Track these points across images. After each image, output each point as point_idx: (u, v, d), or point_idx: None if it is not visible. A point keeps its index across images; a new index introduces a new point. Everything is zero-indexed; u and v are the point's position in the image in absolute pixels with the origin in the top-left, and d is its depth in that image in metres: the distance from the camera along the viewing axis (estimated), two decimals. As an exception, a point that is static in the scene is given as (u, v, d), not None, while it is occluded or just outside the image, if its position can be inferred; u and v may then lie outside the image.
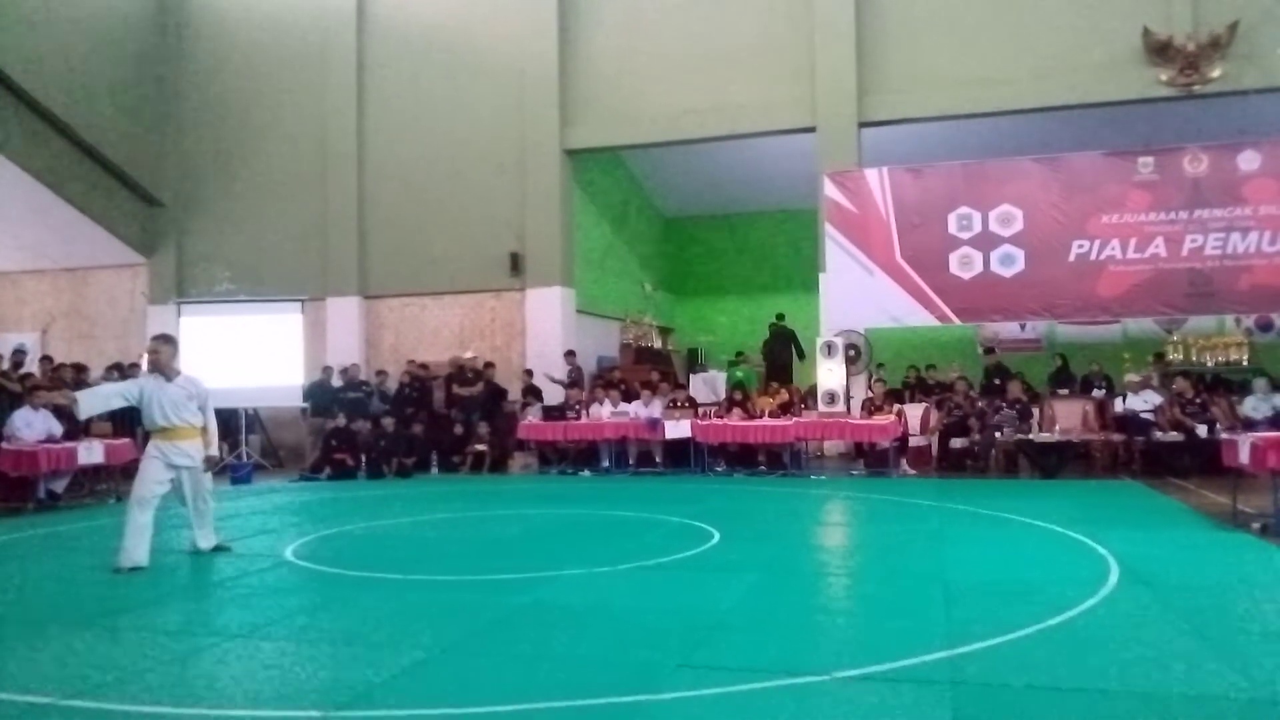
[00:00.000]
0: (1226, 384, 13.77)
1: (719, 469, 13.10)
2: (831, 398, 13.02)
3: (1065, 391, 13.47)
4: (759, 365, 16.79)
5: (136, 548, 6.63)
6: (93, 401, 7.16)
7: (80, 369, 13.56)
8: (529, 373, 14.86)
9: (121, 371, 13.87)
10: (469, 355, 15.18)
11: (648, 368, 16.08)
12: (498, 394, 14.91)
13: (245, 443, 15.07)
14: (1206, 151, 12.99)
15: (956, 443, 12.86)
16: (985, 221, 13.70)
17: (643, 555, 6.82)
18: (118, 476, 11.17)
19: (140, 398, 6.92)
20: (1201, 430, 11.52)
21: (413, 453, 13.86)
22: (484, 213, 16.00)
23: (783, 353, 16.77)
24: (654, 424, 13.09)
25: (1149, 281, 13.13)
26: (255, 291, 16.59)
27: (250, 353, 15.30)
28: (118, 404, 7.20)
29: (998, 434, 12.31)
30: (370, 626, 5.00)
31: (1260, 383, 11.57)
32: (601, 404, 13.76)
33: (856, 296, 14.03)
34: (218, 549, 7.29)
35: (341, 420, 13.78)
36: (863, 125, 14.42)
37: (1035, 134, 14.67)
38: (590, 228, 17.15)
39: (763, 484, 12.02)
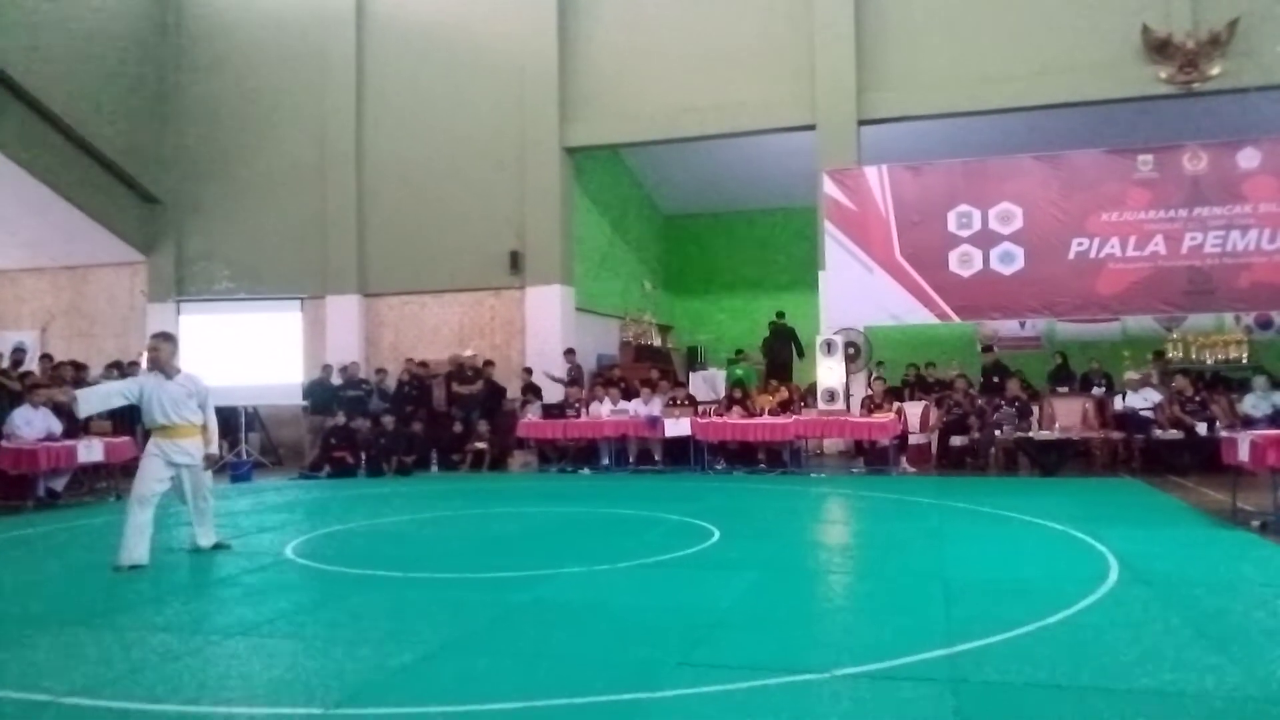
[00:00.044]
0: (1226, 382, 13.78)
1: (719, 467, 13.10)
2: (831, 396, 13.02)
3: (1065, 389, 13.48)
4: (759, 363, 16.79)
5: (137, 546, 6.63)
6: (92, 400, 7.16)
7: (80, 367, 13.55)
8: (528, 371, 14.86)
9: (121, 370, 13.87)
10: (469, 353, 15.18)
11: (647, 366, 16.08)
12: (497, 392, 14.91)
13: (245, 441, 15.07)
14: (1206, 149, 12.98)
15: (956, 441, 12.86)
16: (985, 219, 13.69)
17: (642, 553, 6.82)
18: (117, 474, 11.17)
19: (140, 396, 6.91)
20: (1201, 428, 11.52)
21: (412, 451, 13.86)
22: (484, 211, 15.99)
23: (783, 351, 16.76)
24: (654, 422, 13.09)
25: (1148, 279, 13.13)
26: (255, 289, 16.59)
27: (250, 351, 15.30)
28: (118, 403, 7.20)
29: (997, 432, 12.32)
30: (370, 624, 5.00)
31: (1260, 380, 11.58)
32: (601, 402, 13.76)
33: (856, 294, 14.02)
34: (218, 547, 7.29)
35: (341, 418, 13.78)
36: (862, 123, 14.42)
37: (1035, 132, 14.67)
38: (590, 226, 17.15)
39: (762, 482, 12.02)
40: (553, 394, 14.54)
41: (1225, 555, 6.58)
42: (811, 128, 14.62)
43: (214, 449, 7.34)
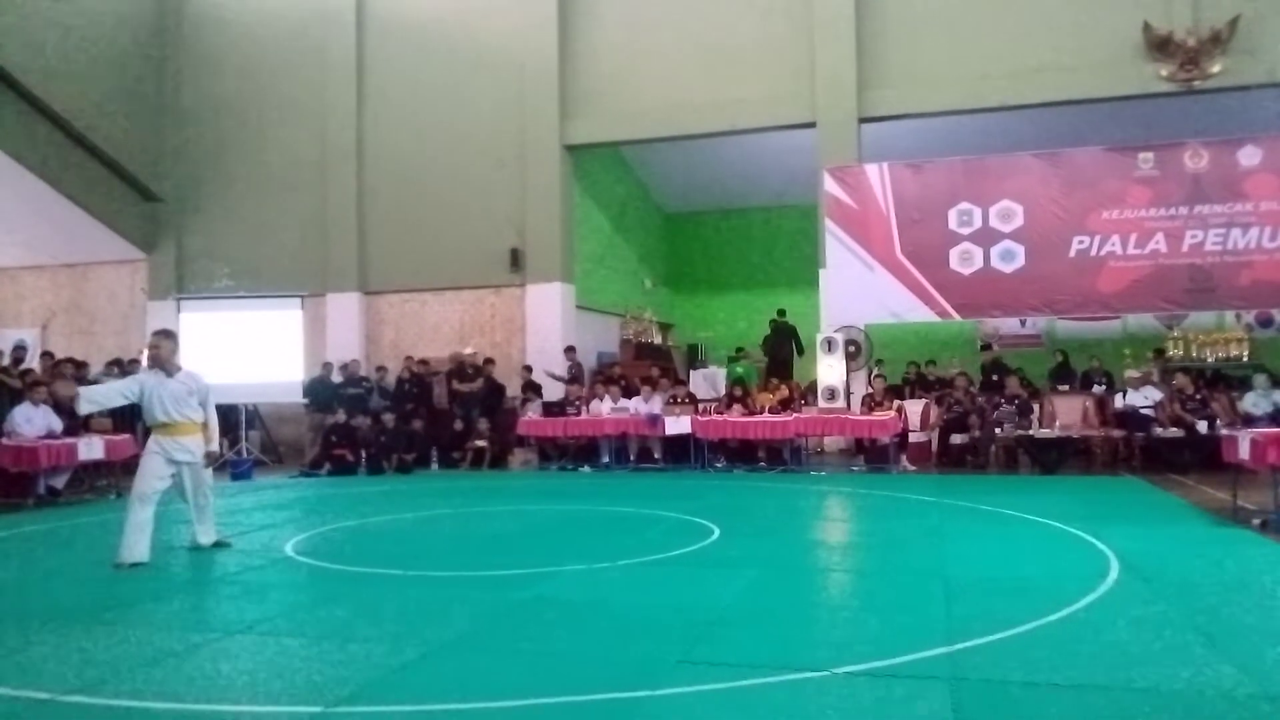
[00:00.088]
0: (1226, 380, 13.77)
1: (719, 465, 13.10)
2: (831, 394, 13.00)
3: (1065, 387, 13.48)
4: (759, 361, 16.78)
5: (137, 543, 6.64)
6: (95, 398, 7.15)
7: (80, 365, 13.55)
8: (528, 369, 14.85)
9: (121, 367, 13.87)
10: (469, 351, 15.18)
11: (648, 364, 16.07)
12: (497, 390, 14.91)
13: (245, 439, 15.07)
14: (1207, 147, 12.97)
15: (956, 439, 12.85)
16: (985, 217, 13.67)
17: (643, 551, 6.82)
18: (118, 472, 11.17)
19: (141, 394, 6.92)
20: (1201, 426, 11.51)
21: (413, 449, 13.85)
22: (484, 208, 15.98)
23: (784, 349, 16.75)
24: (654, 420, 13.08)
25: (1149, 277, 13.11)
26: (255, 287, 16.57)
27: (250, 349, 15.28)
28: (119, 402, 7.22)
29: (998, 430, 12.31)
30: (370, 622, 5.00)
31: (1260, 379, 11.57)
32: (601, 400, 13.76)
33: (857, 292, 14.01)
34: (218, 545, 7.30)
35: (341, 416, 13.78)
36: (863, 121, 14.40)
37: (1035, 129, 14.66)
38: (590, 223, 17.14)
39: (763, 480, 12.01)
40: (553, 392, 14.54)
41: (1226, 553, 6.57)
42: (812, 125, 14.61)
43: (214, 446, 7.34)
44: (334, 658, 4.35)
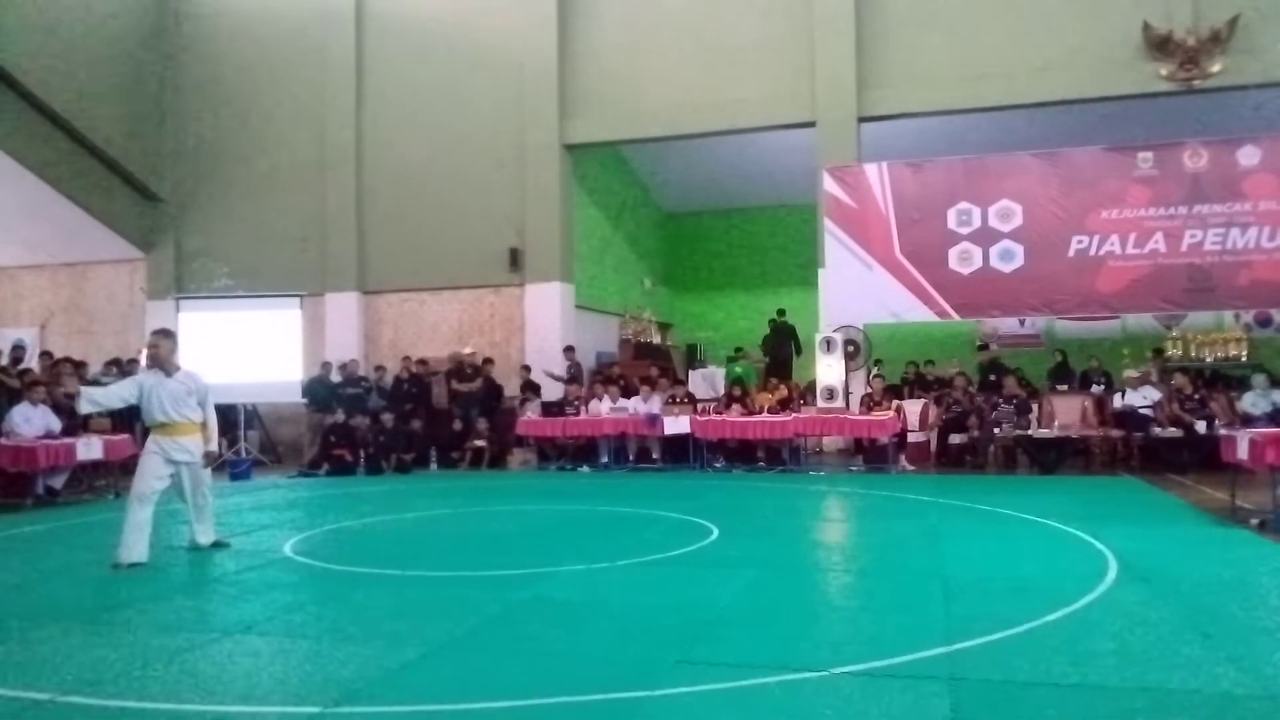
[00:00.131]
0: (1225, 380, 13.79)
1: (718, 465, 13.10)
2: (830, 393, 13.00)
3: (1064, 387, 13.48)
4: (758, 361, 16.78)
5: (136, 544, 6.63)
6: (94, 399, 7.14)
7: (79, 364, 13.54)
8: (526, 368, 14.85)
9: (120, 367, 13.86)
10: (468, 351, 15.17)
11: (647, 363, 16.07)
12: (495, 390, 14.90)
13: (244, 439, 15.06)
14: (1206, 147, 12.97)
15: (955, 439, 12.86)
16: (985, 217, 13.67)
17: (642, 551, 6.82)
18: (116, 472, 11.17)
19: (140, 394, 6.92)
20: (1200, 426, 11.51)
21: (411, 448, 13.85)
22: (483, 208, 15.98)
23: (783, 349, 16.76)
24: (653, 420, 13.08)
25: (1148, 277, 13.12)
26: (254, 287, 16.57)
27: (249, 348, 15.27)
28: (117, 405, 7.22)
29: (996, 430, 12.31)
30: (369, 622, 5.00)
31: (1259, 379, 11.57)
32: (600, 400, 13.75)
33: (856, 292, 14.01)
34: (217, 545, 7.29)
35: (340, 416, 13.77)
36: (862, 120, 14.40)
37: (1035, 129, 14.67)
38: (589, 223, 17.14)
39: (761, 480, 12.02)
40: (552, 392, 14.54)
41: (1224, 553, 6.59)
42: (811, 125, 14.60)
43: (213, 446, 7.34)
44: (333, 658, 4.35)
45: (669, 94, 15.18)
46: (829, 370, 13.16)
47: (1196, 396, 12.08)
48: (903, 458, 12.72)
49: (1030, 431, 12.10)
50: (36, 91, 14.61)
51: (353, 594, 5.71)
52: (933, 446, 13.16)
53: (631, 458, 13.56)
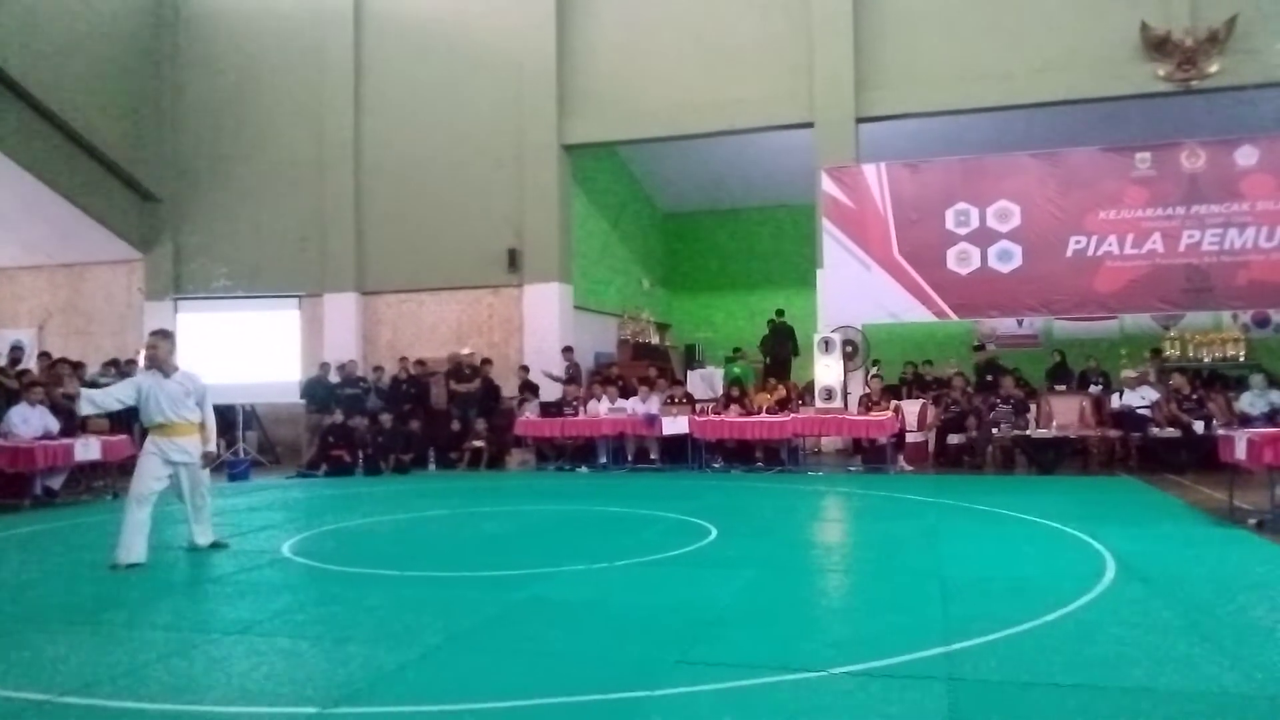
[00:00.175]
0: (1223, 380, 13.81)
1: (716, 465, 13.10)
2: (829, 394, 13.01)
3: (1062, 387, 13.49)
4: (756, 361, 16.79)
5: (134, 544, 6.63)
6: (94, 401, 7.12)
7: (76, 365, 13.53)
8: (525, 369, 14.85)
9: (118, 368, 13.86)
10: (466, 351, 15.17)
11: (645, 364, 16.06)
12: (493, 391, 14.90)
13: (242, 439, 15.05)
14: (1204, 147, 12.98)
15: (953, 439, 12.86)
16: (983, 217, 13.68)
17: (640, 551, 6.82)
18: (114, 473, 11.17)
19: (138, 396, 6.91)
20: (1198, 426, 11.53)
21: (410, 449, 13.85)
22: (481, 208, 15.98)
23: (782, 349, 16.76)
24: (651, 420, 13.09)
25: (1146, 277, 13.13)
26: (252, 287, 16.56)
27: (247, 349, 15.27)
28: (116, 407, 7.21)
29: (994, 430, 12.32)
30: (367, 623, 5.00)
31: (1257, 379, 11.58)
32: (599, 400, 13.76)
33: (854, 292, 14.02)
34: (215, 545, 7.29)
35: (339, 417, 13.76)
36: (860, 120, 14.41)
37: (1033, 129, 14.68)
38: (588, 223, 17.14)
39: (760, 480, 12.02)
40: (550, 392, 14.53)
41: (1222, 553, 6.59)
42: (810, 125, 14.61)
43: (212, 447, 7.34)
44: (331, 658, 4.35)
45: (668, 94, 15.18)
46: (827, 370, 13.16)
47: (1194, 397, 12.10)
48: (901, 458, 12.72)
49: (1028, 432, 12.11)
50: (34, 92, 14.60)
51: (351, 594, 5.70)
52: (931, 447, 13.17)
53: (630, 458, 13.56)
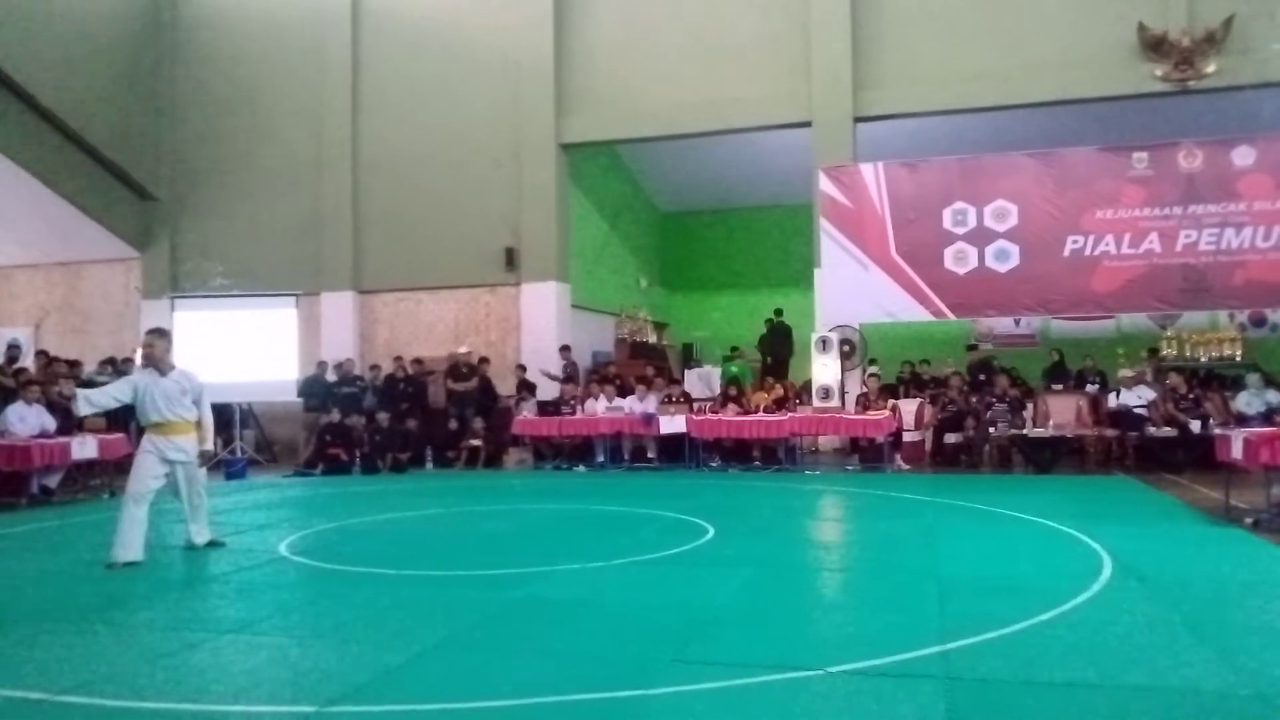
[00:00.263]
0: (1220, 379, 13.81)
1: (713, 464, 13.10)
2: (826, 393, 13.01)
3: (1059, 386, 13.49)
4: (754, 360, 16.79)
5: (131, 543, 6.63)
6: (91, 400, 7.11)
7: (74, 364, 13.52)
8: (522, 368, 14.85)
9: (115, 366, 13.85)
10: (464, 350, 15.16)
11: (643, 363, 16.06)
12: (490, 390, 14.89)
13: (239, 438, 15.04)
14: (1201, 147, 12.99)
15: (951, 438, 12.88)
16: (980, 216, 13.69)
17: (637, 550, 6.82)
18: (111, 471, 11.16)
19: (135, 394, 6.91)
20: (1195, 426, 11.54)
21: (407, 448, 13.84)
22: (479, 207, 15.97)
23: (781, 349, 16.77)
24: (649, 419, 13.09)
25: (1143, 277, 13.14)
26: (249, 286, 16.55)
27: (244, 348, 15.26)
28: (113, 406, 7.22)
29: (991, 429, 12.33)
30: (364, 622, 5.00)
31: (1253, 378, 11.57)
32: (596, 399, 13.75)
33: (851, 291, 14.02)
34: (212, 544, 7.28)
35: (336, 415, 13.75)
36: (858, 120, 14.41)
37: (1030, 129, 14.68)
38: (586, 222, 17.14)
39: (757, 479, 12.02)
40: (547, 391, 14.53)
41: (1218, 552, 6.60)
42: (807, 125, 14.62)
43: (209, 445, 7.34)
44: (328, 657, 4.34)
45: (665, 93, 15.18)
46: (825, 370, 13.17)
47: (1191, 396, 12.11)
48: (898, 457, 12.73)
49: (1025, 431, 12.13)
50: (31, 90, 14.59)
51: (348, 593, 5.70)
52: (928, 446, 13.18)
53: (627, 457, 13.56)
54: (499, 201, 15.88)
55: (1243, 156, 12.83)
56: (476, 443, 14.03)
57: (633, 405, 13.47)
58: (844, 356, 13.75)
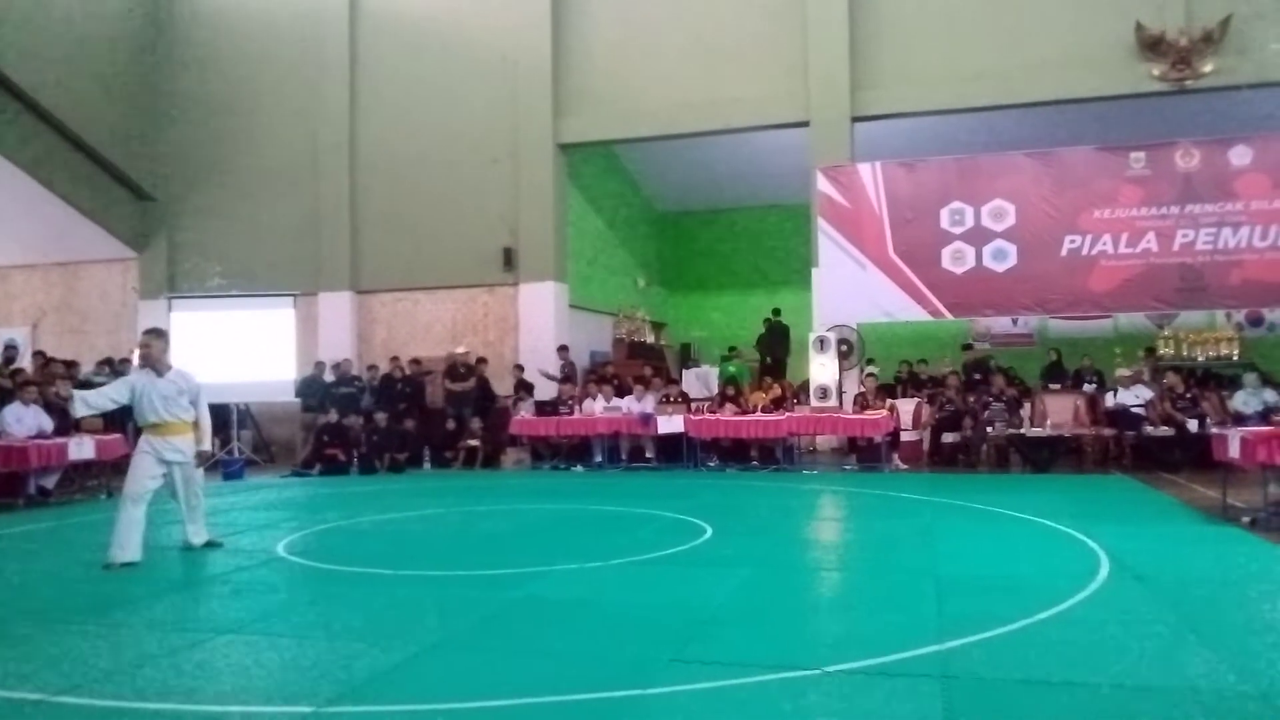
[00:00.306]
0: (1217, 379, 13.83)
1: (711, 464, 13.10)
2: (824, 392, 13.03)
3: (1057, 386, 13.50)
4: (752, 360, 16.80)
5: (128, 543, 6.62)
6: (88, 401, 7.10)
7: (71, 364, 13.50)
8: (520, 368, 14.85)
9: (112, 366, 13.82)
10: (462, 350, 15.15)
11: (640, 363, 16.06)
12: (488, 390, 14.88)
13: (237, 438, 15.03)
14: (1198, 146, 13.01)
15: (948, 437, 12.89)
16: (977, 216, 13.70)
17: (635, 550, 6.82)
18: (108, 472, 11.15)
19: (131, 395, 6.90)
20: (1192, 425, 11.54)
21: (405, 448, 13.83)
22: (477, 207, 15.97)
23: (779, 348, 16.78)
24: (646, 419, 13.09)
25: (1140, 276, 13.16)
26: (247, 286, 16.54)
27: (242, 348, 15.24)
28: (110, 408, 7.21)
29: (989, 429, 12.34)
30: (361, 622, 4.99)
31: (1250, 377, 11.59)
32: (594, 399, 13.75)
33: (849, 291, 14.03)
34: (209, 545, 7.27)
35: (333, 415, 13.74)
36: (856, 120, 14.42)
37: (1027, 129, 14.70)
38: (583, 222, 17.14)
39: (755, 479, 12.02)
40: (545, 391, 14.53)
41: (1216, 551, 6.61)
42: (805, 124, 14.63)
43: (207, 445, 7.33)
44: (325, 657, 4.34)
45: (663, 93, 15.19)
46: (822, 369, 13.18)
47: (1188, 395, 12.12)
48: (896, 456, 12.74)
49: (1023, 430, 12.13)
50: (28, 90, 14.57)
51: (346, 594, 5.70)
52: (926, 445, 13.19)
53: (625, 457, 13.55)
54: (497, 201, 15.88)
55: (1240, 156, 12.84)
56: (474, 443, 14.03)
57: (630, 405, 13.47)
58: (842, 356, 13.76)
